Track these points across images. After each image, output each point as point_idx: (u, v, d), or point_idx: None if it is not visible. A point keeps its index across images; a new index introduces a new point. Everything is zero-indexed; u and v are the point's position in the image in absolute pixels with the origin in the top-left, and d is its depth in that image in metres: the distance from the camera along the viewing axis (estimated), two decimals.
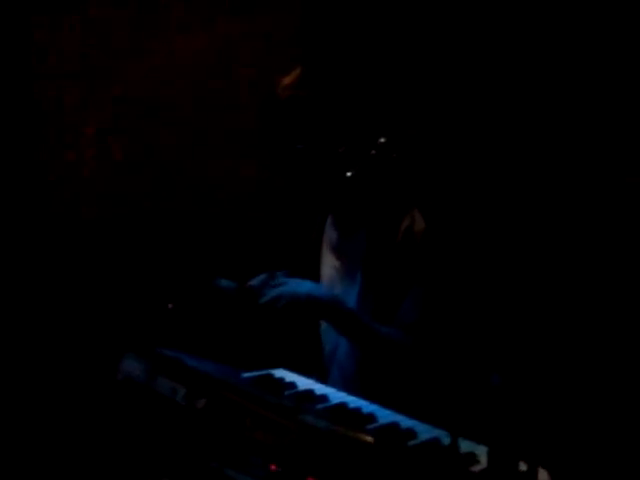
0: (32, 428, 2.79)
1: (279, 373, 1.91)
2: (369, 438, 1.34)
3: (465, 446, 1.43)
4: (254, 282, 1.96)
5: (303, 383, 1.83)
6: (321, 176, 1.99)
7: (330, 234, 2.19)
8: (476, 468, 1.35)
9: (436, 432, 1.51)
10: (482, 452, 1.37)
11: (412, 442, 1.46)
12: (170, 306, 2.09)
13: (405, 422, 1.57)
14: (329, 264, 2.18)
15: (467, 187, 2.68)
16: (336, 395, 1.75)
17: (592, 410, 2.37)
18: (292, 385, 1.80)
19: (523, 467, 1.19)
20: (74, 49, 3.03)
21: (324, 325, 2.14)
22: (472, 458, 1.38)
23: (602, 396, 2.37)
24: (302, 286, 1.93)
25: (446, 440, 1.39)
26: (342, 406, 1.66)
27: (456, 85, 2.76)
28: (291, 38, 3.14)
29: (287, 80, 2.00)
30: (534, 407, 2.30)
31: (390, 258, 2.01)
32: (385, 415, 1.61)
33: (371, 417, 1.59)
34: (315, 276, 2.17)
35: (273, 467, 1.35)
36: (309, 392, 1.75)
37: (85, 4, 3.03)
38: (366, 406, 1.67)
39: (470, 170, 2.70)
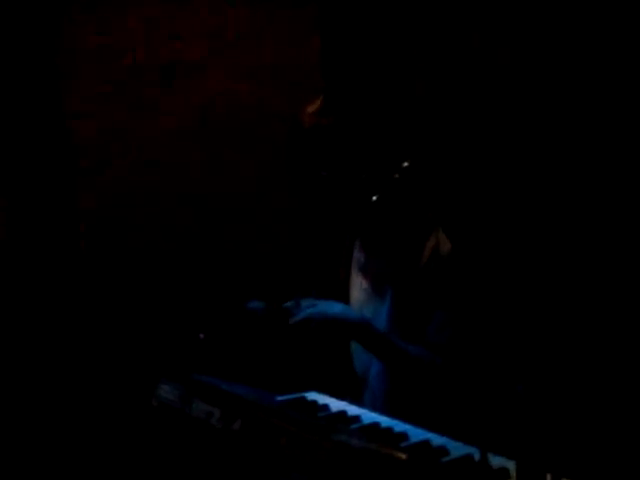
0: (69, 453, 2.83)
1: (312, 396, 1.93)
2: (402, 455, 1.36)
3: (497, 462, 1.44)
4: (285, 305, 1.99)
5: (336, 405, 1.86)
6: (347, 201, 2.02)
7: (358, 257, 2.22)
8: None
9: (468, 449, 1.53)
10: (513, 467, 1.38)
11: (445, 459, 1.48)
12: (202, 336, 2.12)
13: (437, 440, 1.58)
14: (358, 286, 2.21)
15: (491, 207, 2.70)
16: (368, 416, 1.78)
17: (618, 422, 2.36)
18: (325, 407, 1.83)
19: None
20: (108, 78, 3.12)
21: (356, 347, 2.17)
22: (504, 473, 1.40)
23: (628, 408, 2.36)
24: (332, 307, 1.96)
25: (478, 456, 1.40)
26: (375, 426, 1.68)
27: (477, 106, 2.79)
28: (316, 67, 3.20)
29: (310, 108, 2.04)
30: (560, 421, 2.30)
31: (417, 279, 2.03)
32: (417, 433, 1.63)
33: (403, 435, 1.61)
34: (344, 299, 2.20)
35: None
36: (342, 413, 1.77)
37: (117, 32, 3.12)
38: (398, 425, 1.69)
39: (493, 190, 2.72)
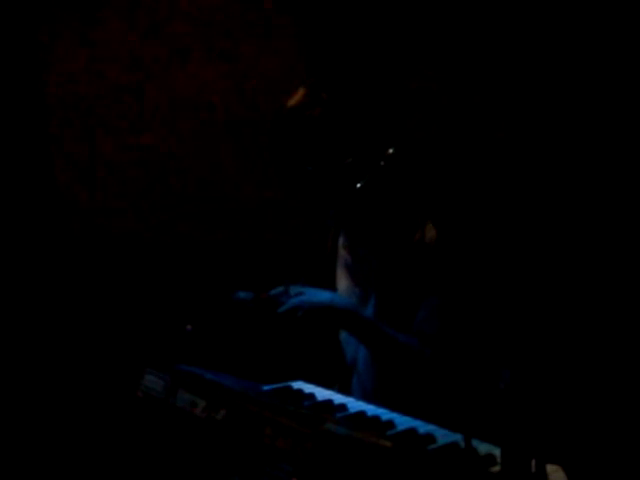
0: (54, 444, 2.81)
1: (298, 385, 1.92)
2: (388, 443, 1.35)
3: (484, 448, 1.44)
4: (272, 293, 1.98)
5: (322, 394, 1.85)
6: (332, 190, 2.00)
7: (342, 254, 2.21)
8: (495, 469, 1.36)
9: (454, 436, 1.52)
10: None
11: (431, 446, 1.48)
12: (189, 327, 2.11)
13: (424, 427, 1.58)
14: (343, 282, 2.20)
15: (478, 195, 2.69)
16: (355, 404, 1.77)
17: (602, 408, 2.36)
18: (311, 396, 1.82)
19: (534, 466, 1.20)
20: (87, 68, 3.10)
21: (344, 335, 2.15)
22: (491, 459, 1.39)
23: (611, 393, 2.37)
24: (321, 295, 1.95)
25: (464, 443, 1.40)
26: (361, 414, 1.67)
27: (463, 95, 2.78)
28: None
29: (292, 101, 2.01)
30: (546, 406, 2.30)
31: (403, 268, 2.02)
32: (404, 421, 1.63)
33: (390, 423, 1.60)
34: (331, 286, 2.19)
35: None
36: (328, 402, 1.76)
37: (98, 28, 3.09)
38: (385, 413, 1.69)
39: (480, 177, 2.71)
